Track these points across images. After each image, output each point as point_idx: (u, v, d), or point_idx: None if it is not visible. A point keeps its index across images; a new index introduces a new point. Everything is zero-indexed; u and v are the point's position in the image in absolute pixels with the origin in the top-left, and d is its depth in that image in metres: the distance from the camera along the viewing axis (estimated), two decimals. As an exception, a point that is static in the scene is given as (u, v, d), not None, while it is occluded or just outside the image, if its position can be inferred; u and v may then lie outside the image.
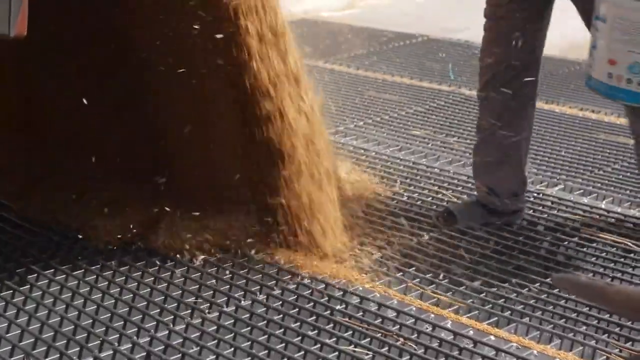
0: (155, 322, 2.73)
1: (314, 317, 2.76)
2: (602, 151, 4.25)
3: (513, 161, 3.35)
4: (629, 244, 3.30)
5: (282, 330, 2.69)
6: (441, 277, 3.02)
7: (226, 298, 2.87)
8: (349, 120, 4.60)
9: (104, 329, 2.68)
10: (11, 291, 2.89)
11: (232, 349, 2.59)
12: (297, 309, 2.81)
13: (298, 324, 2.73)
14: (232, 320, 2.74)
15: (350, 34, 6.53)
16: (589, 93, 5.09)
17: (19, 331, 2.68)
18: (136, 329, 2.69)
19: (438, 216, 3.43)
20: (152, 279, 2.98)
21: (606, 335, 2.70)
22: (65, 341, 2.62)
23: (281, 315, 2.77)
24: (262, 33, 2.90)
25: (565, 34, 6.62)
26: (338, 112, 4.68)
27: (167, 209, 3.18)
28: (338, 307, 2.82)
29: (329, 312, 2.80)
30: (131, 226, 3.17)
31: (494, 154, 3.34)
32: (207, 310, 2.79)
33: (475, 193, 3.51)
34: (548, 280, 2.98)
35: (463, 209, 3.44)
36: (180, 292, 2.90)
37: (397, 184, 3.78)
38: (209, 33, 2.86)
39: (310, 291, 2.91)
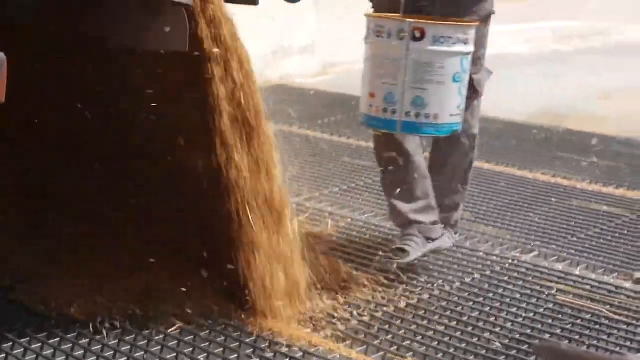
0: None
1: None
2: (576, 218, 4.29)
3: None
4: (604, 310, 3.32)
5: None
6: (417, 346, 3.02)
7: (203, 367, 2.85)
8: (323, 187, 4.62)
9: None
10: (-15, 360, 2.85)
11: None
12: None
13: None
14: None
15: (325, 100, 6.60)
16: (561, 160, 5.20)
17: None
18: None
19: (391, 254, 3.54)
20: (129, 347, 2.95)
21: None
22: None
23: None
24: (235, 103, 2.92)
25: (537, 101, 6.74)
26: (313, 178, 4.71)
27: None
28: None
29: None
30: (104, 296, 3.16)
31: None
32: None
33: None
34: (525, 347, 2.99)
35: (412, 243, 3.51)
36: (157, 360, 2.88)
37: (372, 250, 3.79)
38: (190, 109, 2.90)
39: None
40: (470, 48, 3.15)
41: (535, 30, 9.96)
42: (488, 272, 3.64)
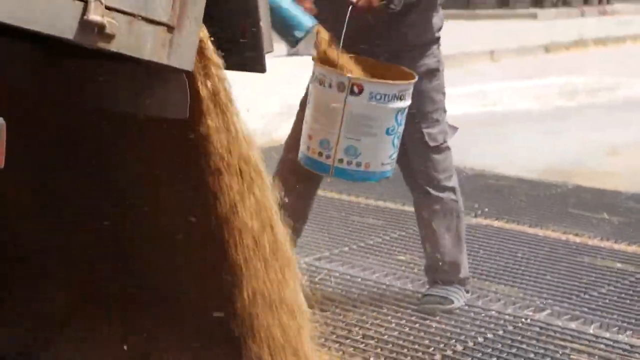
0: None
1: None
2: (588, 275, 4.25)
3: None
4: (620, 370, 3.28)
5: None
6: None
7: None
8: (333, 246, 4.59)
9: None
10: None
11: None
12: None
13: None
14: None
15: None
16: (572, 216, 5.17)
17: None
18: None
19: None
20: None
21: None
22: None
23: None
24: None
25: (545, 157, 6.73)
26: (322, 238, 4.68)
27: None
28: None
29: None
30: None
31: None
32: None
33: None
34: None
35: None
36: None
37: (384, 310, 3.75)
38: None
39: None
40: (407, 103, 3.32)
41: (542, 86, 9.99)
42: (501, 332, 3.59)
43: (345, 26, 3.27)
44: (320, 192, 5.61)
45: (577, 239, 4.80)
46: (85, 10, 2.20)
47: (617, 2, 23.55)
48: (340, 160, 3.26)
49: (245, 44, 2.74)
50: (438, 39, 3.73)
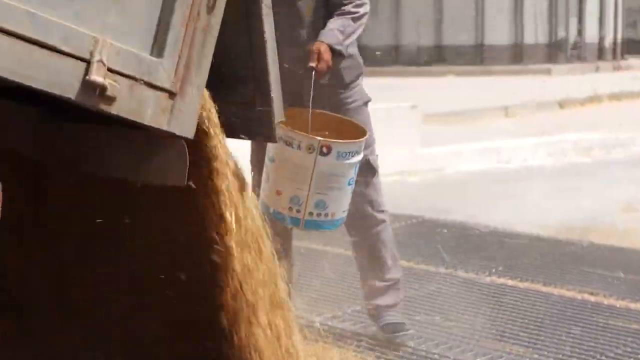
0: None
1: None
2: (604, 335, 4.20)
3: None
4: None
5: None
6: None
7: None
8: (346, 305, 4.55)
9: None
10: None
11: None
12: None
13: None
14: None
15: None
16: (587, 275, 5.12)
17: None
18: None
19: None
20: None
21: None
22: None
23: None
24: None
25: (560, 214, 6.69)
26: (335, 297, 4.64)
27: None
28: None
29: None
30: None
31: None
32: None
33: None
34: None
35: None
36: None
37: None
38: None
39: None
40: (361, 155, 3.69)
41: (556, 142, 9.98)
42: (515, 394, 3.54)
43: (312, 90, 3.66)
44: (328, 248, 5.62)
45: (592, 298, 4.74)
46: (87, 70, 2.20)
47: (631, 57, 23.61)
48: (310, 214, 3.56)
49: (257, 112, 2.74)
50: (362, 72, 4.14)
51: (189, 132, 2.42)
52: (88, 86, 2.20)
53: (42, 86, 2.13)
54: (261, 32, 2.68)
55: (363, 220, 4.00)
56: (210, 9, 2.43)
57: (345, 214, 3.71)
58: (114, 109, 2.26)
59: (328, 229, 3.73)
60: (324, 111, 3.81)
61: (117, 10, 2.29)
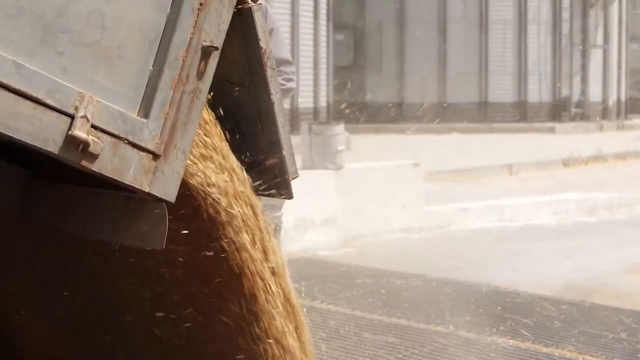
0: None
1: None
2: (605, 399, 4.14)
3: None
4: None
5: None
6: None
7: None
8: (345, 364, 4.51)
9: None
10: None
11: None
12: None
13: None
14: None
15: (347, 273, 6.55)
16: (589, 336, 5.07)
17: None
18: None
19: None
20: None
21: None
22: None
23: None
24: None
25: (563, 274, 6.65)
26: (336, 356, 4.60)
27: None
28: None
29: None
30: None
31: None
32: None
33: None
34: None
35: None
36: None
37: None
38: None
39: None
40: None
41: (560, 201, 9.97)
42: None
43: None
44: (331, 307, 5.59)
45: (594, 360, 4.70)
46: (71, 125, 2.18)
47: (635, 116, 23.70)
48: None
49: (271, 170, 2.74)
50: None
51: (171, 196, 2.38)
52: (70, 141, 2.18)
53: (24, 138, 2.11)
54: (268, 94, 2.68)
55: None
56: (201, 74, 2.42)
57: None
58: (96, 167, 2.24)
59: None
60: None
61: (105, 67, 2.29)
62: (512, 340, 5.00)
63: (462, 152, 13.73)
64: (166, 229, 2.39)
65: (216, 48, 2.43)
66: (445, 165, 11.59)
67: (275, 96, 2.69)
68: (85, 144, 2.19)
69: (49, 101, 2.16)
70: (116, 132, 2.27)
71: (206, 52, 2.42)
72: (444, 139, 16.84)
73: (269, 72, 2.67)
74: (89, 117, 2.20)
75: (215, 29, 2.45)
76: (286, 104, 4.19)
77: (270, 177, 2.78)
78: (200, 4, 2.41)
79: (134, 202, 2.43)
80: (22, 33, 2.16)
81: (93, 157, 2.23)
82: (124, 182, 2.29)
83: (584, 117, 21.73)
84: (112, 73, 2.30)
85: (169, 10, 2.37)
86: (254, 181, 2.72)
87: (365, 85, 21.03)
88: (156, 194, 2.35)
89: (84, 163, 2.22)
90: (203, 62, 2.42)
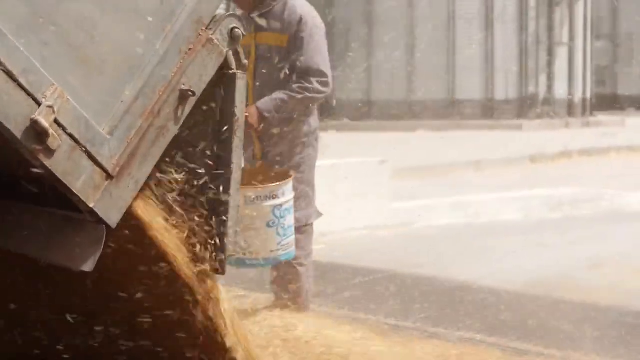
0: None
1: None
2: (569, 392, 4.19)
3: None
4: None
5: None
6: None
7: None
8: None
9: None
10: None
11: None
12: None
13: None
14: None
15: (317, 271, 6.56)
16: (554, 330, 5.13)
17: None
18: None
19: None
20: None
21: None
22: None
23: None
24: None
25: (529, 269, 6.71)
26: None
27: None
28: None
29: None
30: None
31: None
32: None
33: None
34: None
35: None
36: None
37: None
38: None
39: None
40: (281, 200, 4.10)
41: (527, 198, 10.05)
42: None
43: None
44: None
45: (559, 354, 4.75)
46: (36, 112, 2.19)
47: (600, 113, 23.88)
48: (237, 251, 3.88)
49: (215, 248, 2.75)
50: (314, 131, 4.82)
51: (112, 221, 2.38)
52: (31, 127, 2.18)
53: None
54: (229, 163, 2.70)
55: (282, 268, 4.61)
56: (173, 114, 2.44)
57: (280, 253, 4.14)
58: (49, 163, 2.23)
59: (252, 267, 4.25)
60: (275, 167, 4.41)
61: (82, 73, 2.30)
62: (478, 335, 5.04)
63: (429, 149, 13.77)
64: (99, 253, 2.36)
65: (193, 94, 2.46)
66: (412, 162, 11.62)
67: (235, 166, 2.70)
68: (45, 133, 2.19)
69: (21, 80, 2.16)
70: (77, 137, 2.27)
71: (183, 95, 2.45)
72: (411, 136, 16.89)
73: (235, 141, 2.68)
74: (55, 109, 2.21)
75: (197, 77, 2.48)
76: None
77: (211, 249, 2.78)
78: (189, 49, 2.44)
79: (74, 222, 2.41)
80: (14, 9, 2.16)
81: (49, 152, 2.22)
82: (72, 189, 2.28)
83: (550, 114, 21.87)
84: (87, 81, 2.30)
85: (158, 45, 2.39)
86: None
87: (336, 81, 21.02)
88: (99, 213, 2.33)
89: (39, 155, 2.21)
90: (178, 104, 2.44)
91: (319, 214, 4.85)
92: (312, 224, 4.86)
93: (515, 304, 5.76)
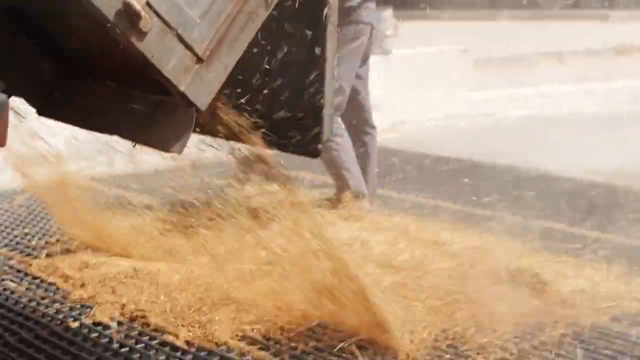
0: None
1: None
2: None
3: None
4: None
5: None
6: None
7: None
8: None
9: None
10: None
11: None
12: None
13: None
14: None
15: (396, 157, 6.56)
16: (634, 221, 5.06)
17: None
18: None
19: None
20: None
21: None
22: None
23: None
24: None
25: (612, 161, 6.61)
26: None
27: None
28: None
29: None
30: None
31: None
32: None
33: None
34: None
35: None
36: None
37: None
38: None
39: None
40: None
41: (610, 90, 9.84)
42: None
43: None
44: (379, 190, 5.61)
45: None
46: None
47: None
48: None
49: (305, 127, 2.75)
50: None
51: (203, 103, 2.39)
52: (124, 9, 2.19)
53: None
54: (323, 50, 2.69)
55: (368, 131, 5.26)
56: (268, 5, 2.43)
57: None
58: (141, 46, 2.24)
59: None
60: None
61: None
62: (558, 224, 5.00)
63: (511, 39, 13.51)
64: (189, 137, 2.41)
65: None
66: (492, 53, 11.43)
67: (330, 52, 2.68)
68: (137, 16, 2.20)
69: None
70: (168, 20, 2.28)
71: None
72: (491, 27, 16.59)
73: (329, 27, 2.66)
74: None
75: None
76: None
77: (304, 132, 2.79)
78: None
79: (165, 106, 2.44)
80: None
81: (140, 34, 2.23)
82: (162, 71, 2.30)
83: (639, 4, 21.21)
84: None
85: None
86: (284, 135, 2.73)
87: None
88: (189, 96, 2.35)
89: (131, 37, 2.23)
90: None
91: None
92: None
93: (597, 194, 5.69)
